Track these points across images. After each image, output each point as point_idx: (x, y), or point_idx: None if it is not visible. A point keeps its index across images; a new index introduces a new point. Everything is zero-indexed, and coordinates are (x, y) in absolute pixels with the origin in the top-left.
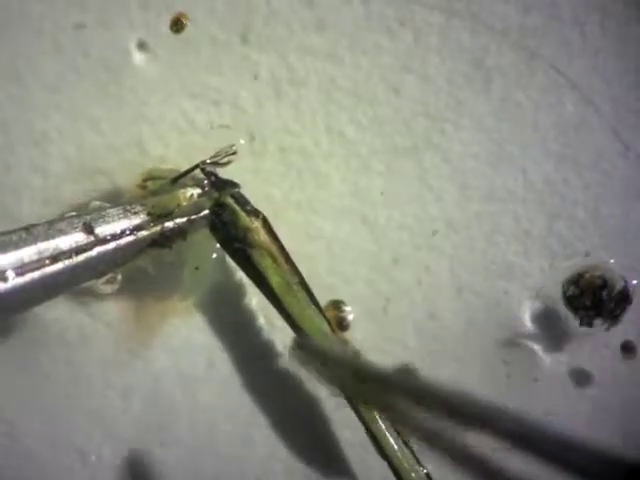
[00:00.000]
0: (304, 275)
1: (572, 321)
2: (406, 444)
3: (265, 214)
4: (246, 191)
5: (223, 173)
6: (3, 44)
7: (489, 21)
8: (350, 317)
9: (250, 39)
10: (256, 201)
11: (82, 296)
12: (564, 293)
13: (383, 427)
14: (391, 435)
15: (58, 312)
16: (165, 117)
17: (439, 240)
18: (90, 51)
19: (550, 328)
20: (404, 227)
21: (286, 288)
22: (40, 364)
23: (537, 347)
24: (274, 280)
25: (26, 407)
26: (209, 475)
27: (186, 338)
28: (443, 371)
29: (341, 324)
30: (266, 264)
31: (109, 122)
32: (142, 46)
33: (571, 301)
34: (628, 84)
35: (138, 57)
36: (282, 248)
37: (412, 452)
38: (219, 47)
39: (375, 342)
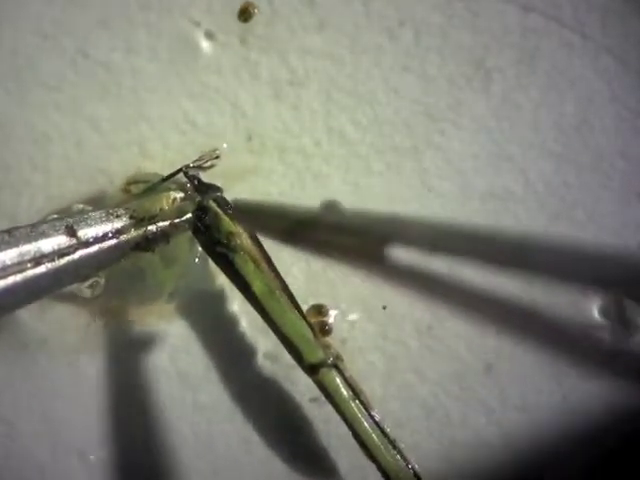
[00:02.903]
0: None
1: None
2: (392, 443)
3: None
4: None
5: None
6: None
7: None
8: (331, 321)
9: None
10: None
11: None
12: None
13: (368, 427)
14: (376, 435)
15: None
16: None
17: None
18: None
19: (619, 321)
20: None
21: (268, 293)
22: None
23: (607, 339)
24: (256, 285)
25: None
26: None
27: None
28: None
29: (323, 328)
30: (248, 269)
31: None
32: (210, 35)
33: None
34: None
35: (205, 45)
36: (264, 253)
37: (399, 451)
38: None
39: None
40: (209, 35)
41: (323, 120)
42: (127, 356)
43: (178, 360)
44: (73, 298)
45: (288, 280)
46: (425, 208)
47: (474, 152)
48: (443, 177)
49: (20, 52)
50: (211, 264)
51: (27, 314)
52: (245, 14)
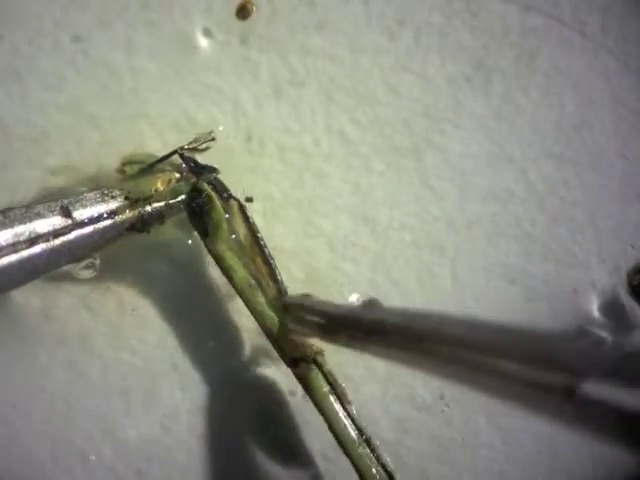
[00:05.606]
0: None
1: (637, 309)
2: (367, 440)
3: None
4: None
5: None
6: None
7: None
8: None
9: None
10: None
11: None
12: (629, 282)
13: (344, 421)
14: (352, 430)
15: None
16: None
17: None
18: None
19: (616, 317)
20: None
21: (248, 286)
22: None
23: (604, 336)
24: (237, 275)
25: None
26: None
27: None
28: None
29: None
30: (231, 258)
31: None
32: (210, 35)
33: (636, 290)
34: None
35: (205, 44)
36: (255, 237)
37: (373, 448)
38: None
39: None
40: (209, 35)
41: (323, 120)
42: (127, 354)
43: (178, 357)
44: (69, 279)
45: None
46: (425, 208)
47: (474, 152)
48: (443, 177)
49: (20, 52)
50: None
51: (29, 309)
52: (243, 11)
